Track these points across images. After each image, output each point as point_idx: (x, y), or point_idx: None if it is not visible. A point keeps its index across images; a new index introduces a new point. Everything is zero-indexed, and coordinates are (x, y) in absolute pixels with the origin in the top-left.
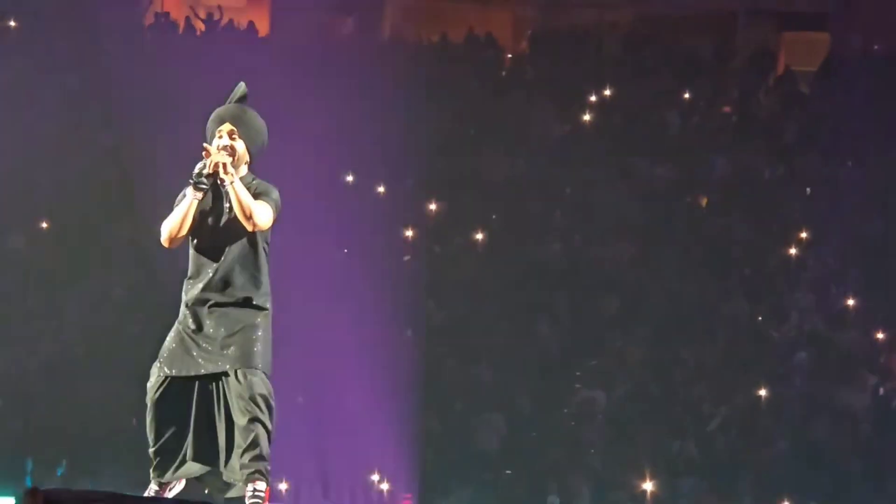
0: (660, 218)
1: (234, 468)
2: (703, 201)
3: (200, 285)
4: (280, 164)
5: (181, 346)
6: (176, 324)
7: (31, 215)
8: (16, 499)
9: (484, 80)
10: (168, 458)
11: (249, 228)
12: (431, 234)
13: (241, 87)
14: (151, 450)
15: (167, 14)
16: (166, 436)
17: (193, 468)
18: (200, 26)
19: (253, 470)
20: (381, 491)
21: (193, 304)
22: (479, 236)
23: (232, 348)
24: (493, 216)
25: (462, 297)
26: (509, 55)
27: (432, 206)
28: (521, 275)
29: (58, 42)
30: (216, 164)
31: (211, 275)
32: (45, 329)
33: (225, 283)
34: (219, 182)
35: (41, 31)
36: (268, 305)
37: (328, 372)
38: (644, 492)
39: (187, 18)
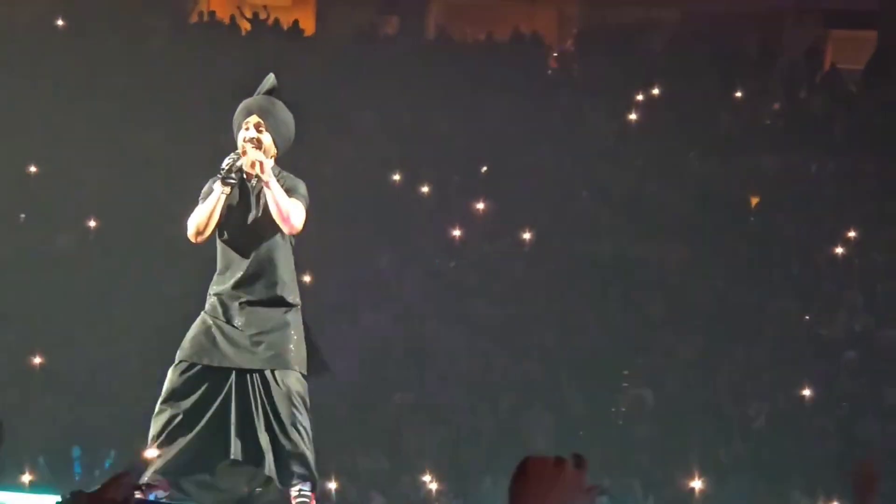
0: (708, 216)
1: (271, 470)
2: (753, 201)
3: (231, 281)
4: (326, 163)
5: (207, 336)
6: (202, 315)
7: (79, 215)
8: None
9: (530, 78)
10: (172, 453)
11: (286, 231)
12: (479, 234)
13: (271, 79)
14: (156, 441)
15: (213, 13)
16: (173, 425)
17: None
18: (246, 25)
19: (297, 472)
20: (431, 490)
21: (224, 297)
22: (528, 235)
23: (263, 347)
24: (541, 215)
25: (510, 295)
26: (555, 53)
27: (480, 206)
28: (569, 274)
29: (105, 41)
30: (253, 163)
31: (241, 271)
32: (94, 327)
33: (255, 280)
34: (253, 180)
35: (88, 30)
36: (297, 301)
37: (377, 371)
38: (692, 490)
39: (233, 17)
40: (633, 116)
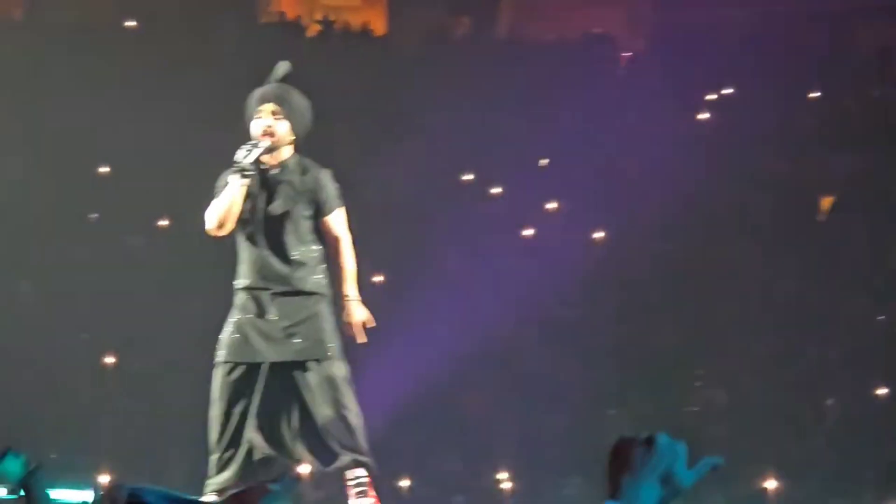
0: (781, 216)
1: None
2: (827, 201)
3: (258, 274)
4: (398, 164)
5: (241, 334)
6: (233, 312)
7: (150, 215)
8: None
9: (601, 78)
10: (230, 458)
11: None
12: (551, 233)
13: (284, 66)
14: (217, 449)
15: (283, 14)
16: (228, 428)
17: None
18: (316, 26)
19: (351, 458)
20: (506, 490)
21: (253, 291)
22: (599, 235)
23: (298, 339)
24: (613, 215)
25: (582, 295)
26: (626, 53)
27: (551, 206)
28: (641, 273)
29: (175, 42)
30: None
31: (268, 263)
32: (166, 328)
33: (282, 271)
34: (275, 170)
35: (158, 30)
36: (326, 291)
37: (450, 370)
38: (765, 489)
39: (303, 18)
40: (704, 116)
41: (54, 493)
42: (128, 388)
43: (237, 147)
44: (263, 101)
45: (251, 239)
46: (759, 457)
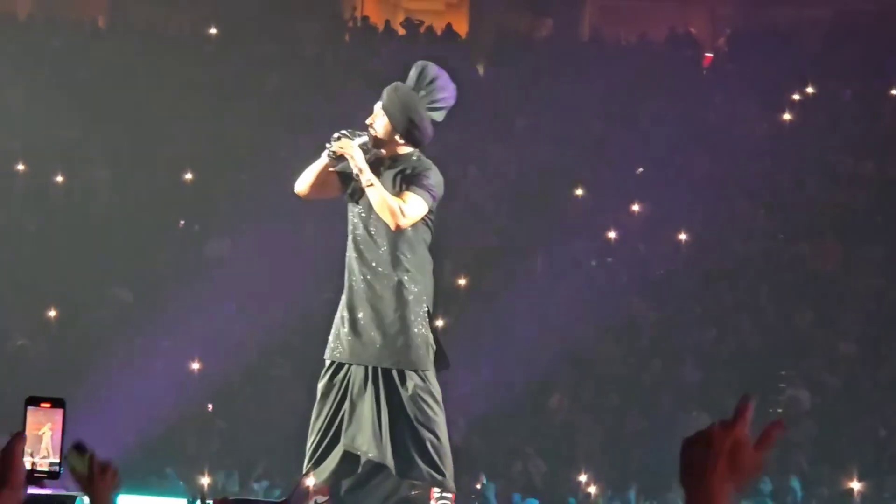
0: (864, 215)
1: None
2: None
3: (358, 267)
4: (482, 166)
5: (339, 329)
6: (341, 301)
7: (234, 221)
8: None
9: (683, 79)
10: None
11: (392, 227)
12: (635, 235)
13: (430, 71)
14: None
15: (367, 18)
16: (322, 429)
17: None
18: (401, 30)
19: (429, 473)
20: (590, 493)
21: (354, 284)
22: (683, 236)
23: (383, 344)
24: (696, 216)
25: (666, 296)
26: (709, 54)
27: (635, 207)
28: (724, 274)
29: (258, 47)
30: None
31: (364, 254)
32: (248, 336)
33: (378, 265)
34: (384, 164)
35: (241, 36)
36: (415, 288)
37: (531, 372)
38: (851, 490)
39: (387, 22)
40: (787, 116)
41: (146, 501)
42: (209, 392)
43: (320, 150)
44: (380, 98)
45: (356, 235)
46: (843, 458)
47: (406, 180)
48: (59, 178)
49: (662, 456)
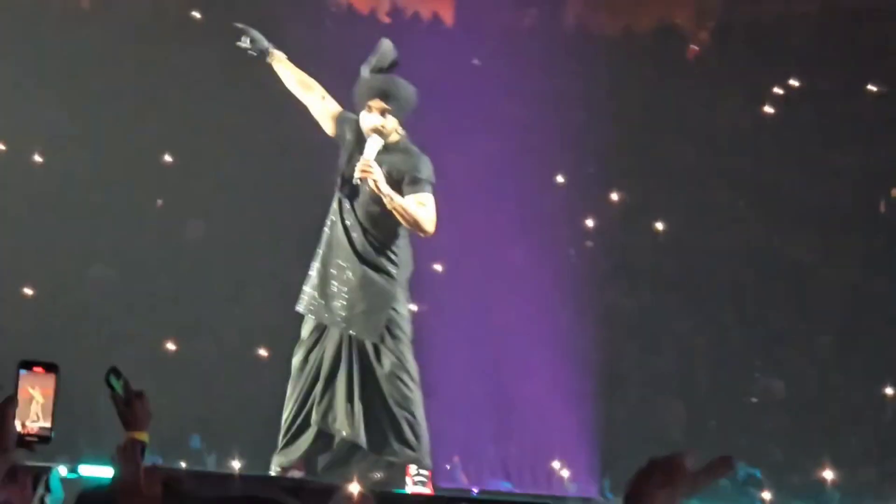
0: (845, 209)
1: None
2: (893, 193)
3: (334, 250)
4: (462, 154)
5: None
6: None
7: (211, 203)
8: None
9: (666, 70)
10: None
11: (421, 235)
12: (613, 224)
13: (391, 54)
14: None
15: (350, 4)
16: (300, 404)
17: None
18: (385, 18)
19: (408, 455)
20: (562, 477)
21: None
22: (661, 226)
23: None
24: (675, 206)
25: (644, 286)
26: (692, 46)
27: (614, 196)
28: (702, 265)
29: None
30: (368, 179)
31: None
32: (227, 314)
33: (361, 250)
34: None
35: (223, 21)
36: (393, 270)
37: (509, 359)
38: (824, 480)
39: (372, 9)
40: (769, 109)
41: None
42: (185, 375)
43: (302, 136)
44: (372, 94)
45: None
46: (816, 447)
47: (409, 182)
48: (38, 158)
49: (637, 444)
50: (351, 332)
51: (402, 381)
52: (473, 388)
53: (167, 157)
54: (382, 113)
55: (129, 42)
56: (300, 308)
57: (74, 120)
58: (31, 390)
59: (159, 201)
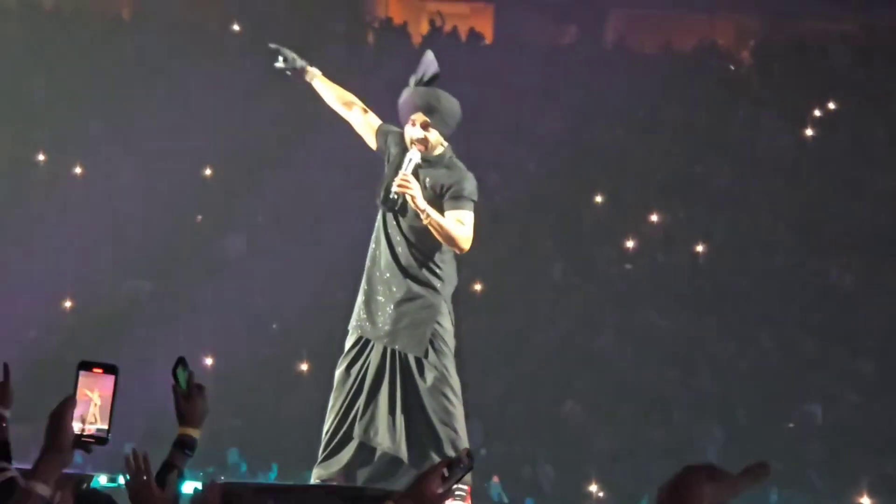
0: (887, 232)
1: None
2: None
3: (381, 264)
4: (501, 171)
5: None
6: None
7: (252, 218)
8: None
9: (707, 90)
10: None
11: (457, 251)
12: (653, 245)
13: (433, 66)
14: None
15: (390, 19)
16: (341, 416)
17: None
18: (423, 31)
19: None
20: (599, 499)
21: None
22: (701, 248)
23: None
24: (716, 228)
25: (683, 307)
26: (733, 66)
27: (654, 217)
28: (742, 287)
29: (281, 42)
30: (407, 195)
31: (394, 255)
32: (264, 331)
33: (406, 264)
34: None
35: (264, 35)
36: (438, 284)
37: (547, 379)
38: None
39: (410, 23)
40: (810, 132)
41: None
42: (222, 389)
43: (344, 150)
44: (415, 109)
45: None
46: (855, 474)
47: (451, 197)
48: (78, 170)
49: (674, 467)
50: (395, 346)
51: (444, 395)
52: (512, 407)
53: (207, 171)
54: (425, 126)
55: (170, 55)
56: (350, 326)
57: (115, 132)
58: (89, 392)
59: (199, 217)
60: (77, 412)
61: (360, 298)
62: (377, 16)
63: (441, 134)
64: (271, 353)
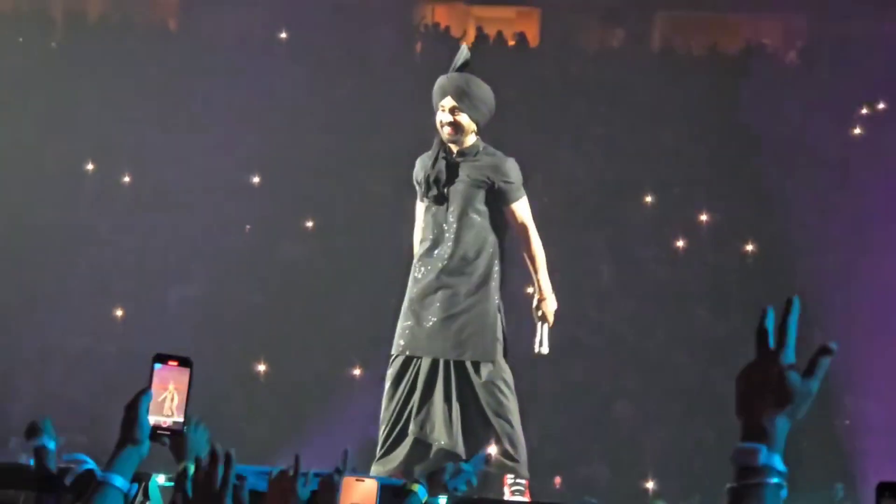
0: None
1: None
2: None
3: (427, 264)
4: (550, 174)
5: (407, 325)
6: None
7: (300, 222)
8: None
9: (755, 90)
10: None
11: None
12: (703, 245)
13: (464, 53)
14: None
15: (437, 24)
16: (396, 415)
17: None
18: (471, 37)
19: (504, 459)
20: (655, 499)
21: (418, 280)
22: (751, 247)
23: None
24: (765, 227)
25: (733, 307)
26: (779, 66)
27: (703, 217)
28: (792, 286)
29: (328, 53)
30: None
31: (439, 255)
32: (317, 335)
33: (452, 264)
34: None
35: (311, 43)
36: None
37: (599, 380)
38: None
39: (458, 28)
40: (857, 131)
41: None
42: (277, 394)
43: (392, 155)
44: (444, 94)
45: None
46: None
47: (503, 191)
48: (127, 179)
49: (726, 466)
50: (464, 358)
51: (498, 388)
52: (564, 408)
53: (255, 179)
54: (453, 111)
55: (216, 62)
56: (395, 350)
57: (163, 141)
58: (164, 384)
59: (247, 226)
60: (152, 405)
61: (409, 314)
62: (424, 22)
63: (472, 119)
64: (324, 360)
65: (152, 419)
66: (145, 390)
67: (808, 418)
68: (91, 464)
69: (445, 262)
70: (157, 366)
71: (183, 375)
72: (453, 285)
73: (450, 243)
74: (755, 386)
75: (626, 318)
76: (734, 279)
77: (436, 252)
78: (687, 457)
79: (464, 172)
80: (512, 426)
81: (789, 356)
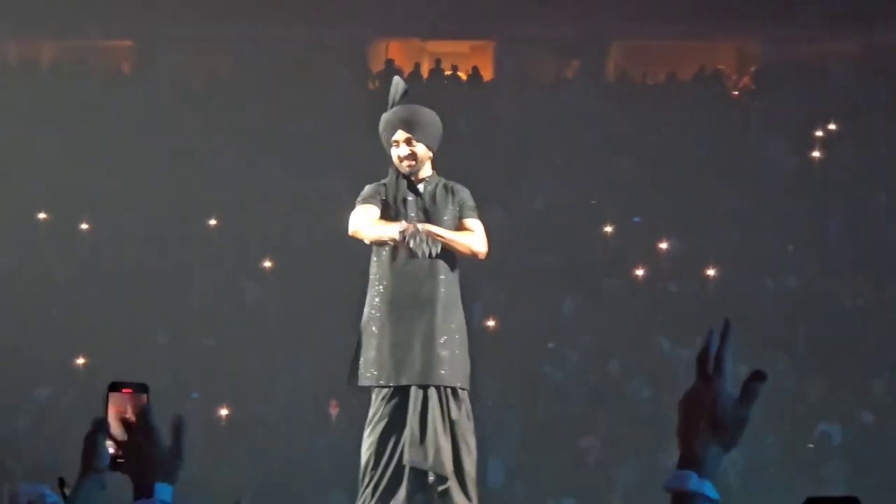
0: (894, 248)
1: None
2: None
3: (392, 286)
4: (506, 205)
5: (373, 355)
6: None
7: (257, 263)
8: None
9: (711, 115)
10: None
11: (477, 259)
12: (663, 272)
13: (400, 85)
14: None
15: (392, 61)
16: (389, 456)
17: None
18: (425, 73)
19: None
20: None
21: (381, 305)
22: (711, 272)
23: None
24: (724, 252)
25: (695, 334)
26: (735, 92)
27: (663, 245)
28: (754, 311)
29: (285, 93)
30: (427, 234)
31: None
32: (280, 378)
33: (417, 288)
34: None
35: (269, 83)
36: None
37: (562, 412)
38: None
39: (416, 65)
40: (816, 153)
41: None
42: (240, 440)
43: (349, 194)
44: (394, 129)
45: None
46: (875, 493)
47: (460, 210)
48: (85, 226)
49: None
50: (437, 384)
51: (469, 429)
52: (529, 443)
53: (212, 221)
54: (408, 142)
55: (172, 104)
56: (365, 382)
57: (118, 186)
58: (121, 412)
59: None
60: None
61: (376, 344)
62: (379, 59)
63: (427, 147)
64: (286, 401)
65: (111, 448)
66: (101, 419)
67: (771, 444)
68: (53, 497)
69: (415, 290)
70: (112, 394)
71: (140, 401)
72: (425, 314)
73: (419, 273)
74: (689, 413)
75: (588, 350)
76: (696, 305)
77: (402, 280)
78: (656, 487)
79: (428, 205)
80: (473, 468)
81: (725, 384)
